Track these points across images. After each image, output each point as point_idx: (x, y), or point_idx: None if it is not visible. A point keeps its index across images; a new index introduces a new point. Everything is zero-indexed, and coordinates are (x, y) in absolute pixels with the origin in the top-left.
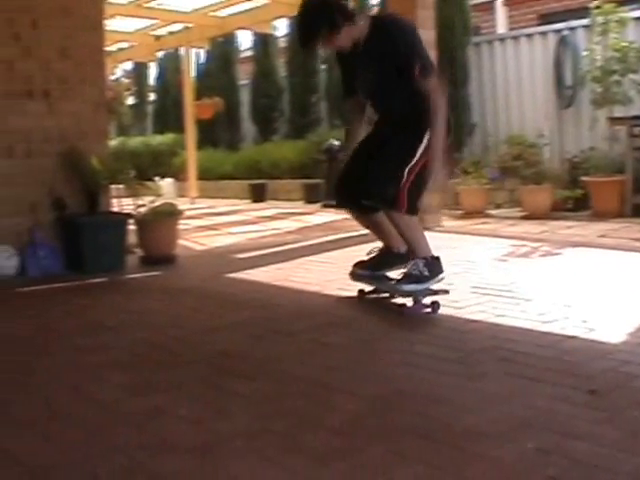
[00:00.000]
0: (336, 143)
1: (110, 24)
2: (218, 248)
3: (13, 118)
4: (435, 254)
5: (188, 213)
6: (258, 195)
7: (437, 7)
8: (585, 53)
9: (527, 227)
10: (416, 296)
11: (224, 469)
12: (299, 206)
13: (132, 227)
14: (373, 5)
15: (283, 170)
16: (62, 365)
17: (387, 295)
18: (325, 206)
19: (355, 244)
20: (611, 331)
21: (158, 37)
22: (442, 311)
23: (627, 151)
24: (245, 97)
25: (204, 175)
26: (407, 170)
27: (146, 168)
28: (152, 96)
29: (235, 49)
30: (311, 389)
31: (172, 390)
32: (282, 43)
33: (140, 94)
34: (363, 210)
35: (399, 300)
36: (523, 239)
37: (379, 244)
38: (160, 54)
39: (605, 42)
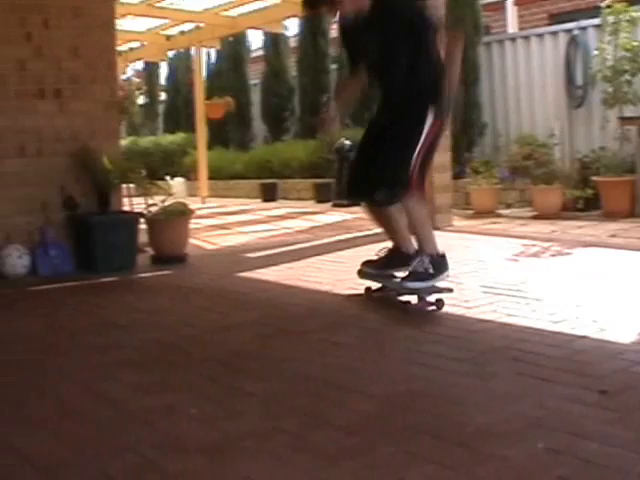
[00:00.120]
0: (347, 143)
1: (121, 24)
2: (229, 247)
3: (24, 118)
4: (441, 251)
5: (199, 212)
6: (269, 194)
7: (448, 7)
8: (596, 53)
9: (537, 227)
10: (420, 293)
11: (235, 468)
12: (310, 205)
13: (143, 226)
14: None
15: (294, 169)
16: (74, 364)
17: (394, 293)
18: (336, 205)
19: (366, 243)
20: (622, 331)
21: (169, 37)
22: (453, 311)
23: (638, 151)
24: (256, 97)
25: (215, 174)
26: (415, 154)
27: (157, 167)
28: (163, 96)
29: (246, 49)
30: (322, 388)
31: (183, 389)
32: (293, 43)
33: (151, 94)
34: (376, 204)
35: (405, 298)
36: (534, 239)
37: (389, 244)
38: (171, 54)
39: (616, 42)
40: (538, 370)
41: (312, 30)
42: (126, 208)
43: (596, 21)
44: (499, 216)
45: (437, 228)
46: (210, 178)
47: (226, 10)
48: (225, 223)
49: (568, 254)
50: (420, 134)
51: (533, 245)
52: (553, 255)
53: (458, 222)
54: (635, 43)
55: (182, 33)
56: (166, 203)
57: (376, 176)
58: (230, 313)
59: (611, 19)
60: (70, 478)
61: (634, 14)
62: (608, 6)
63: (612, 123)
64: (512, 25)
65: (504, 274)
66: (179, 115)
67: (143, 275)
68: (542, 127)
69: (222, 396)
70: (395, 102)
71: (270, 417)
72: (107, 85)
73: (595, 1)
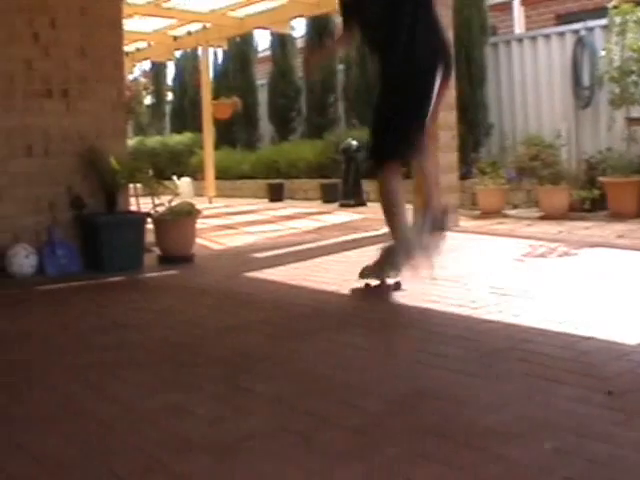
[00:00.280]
0: (354, 143)
1: (128, 24)
2: (236, 247)
3: (32, 117)
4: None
5: (206, 212)
6: (275, 195)
7: (455, 7)
8: (603, 53)
9: (544, 227)
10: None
11: (242, 468)
12: (316, 206)
13: (150, 226)
14: None
15: (301, 170)
16: (81, 363)
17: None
18: (342, 206)
19: (373, 244)
20: (628, 332)
21: (176, 37)
22: (459, 311)
23: None
24: (263, 97)
25: (222, 174)
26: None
27: (164, 167)
28: (170, 96)
29: (253, 49)
30: (329, 389)
31: (190, 389)
32: (300, 43)
33: (158, 94)
34: (394, 169)
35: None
36: (540, 239)
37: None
38: (178, 54)
39: (623, 42)
40: (544, 371)
41: (319, 30)
42: (133, 208)
43: (603, 22)
44: (506, 216)
45: None
46: (217, 178)
47: (233, 10)
48: (232, 223)
49: (575, 255)
50: (430, 99)
51: (540, 246)
52: (560, 256)
53: (465, 222)
54: None
55: (189, 33)
56: (173, 203)
57: (393, 142)
58: (237, 313)
59: (618, 20)
60: (76, 477)
61: None
62: (615, 7)
63: (619, 124)
64: (519, 25)
65: (510, 274)
66: (186, 115)
67: (150, 275)
68: (549, 128)
69: (229, 396)
70: (398, 69)
71: (277, 417)
72: (114, 85)
73: (602, 2)
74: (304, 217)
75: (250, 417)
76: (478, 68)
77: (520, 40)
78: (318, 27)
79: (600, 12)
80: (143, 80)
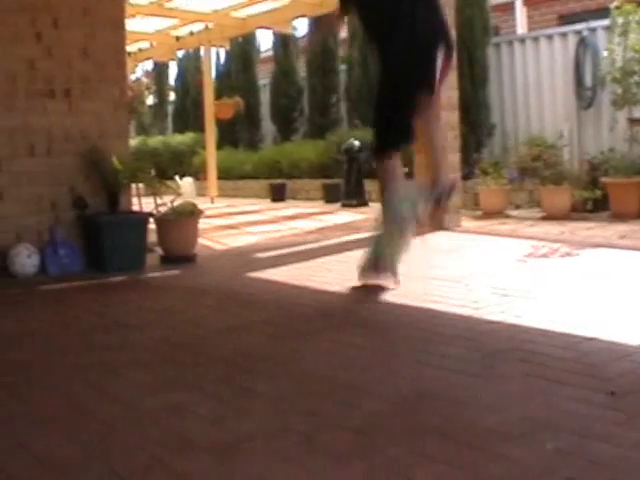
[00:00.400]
0: (356, 143)
1: (131, 24)
2: (238, 247)
3: (34, 117)
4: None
5: (208, 212)
6: (278, 195)
7: (457, 7)
8: (605, 54)
9: (546, 228)
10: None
11: (244, 468)
12: (319, 206)
13: (152, 226)
14: None
15: (303, 170)
16: (82, 363)
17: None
18: (345, 206)
19: None
20: (630, 333)
21: (178, 37)
22: (461, 311)
23: None
24: (265, 97)
25: (224, 175)
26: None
27: (166, 167)
28: (172, 96)
29: (255, 49)
30: (331, 389)
31: (192, 389)
32: (302, 43)
33: (160, 94)
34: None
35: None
36: (542, 240)
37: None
38: (180, 54)
39: (625, 43)
40: (546, 371)
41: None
42: (135, 208)
43: (605, 22)
44: (508, 217)
45: (446, 229)
46: (219, 178)
47: (236, 10)
48: (234, 223)
49: (577, 255)
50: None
51: (542, 246)
52: (562, 256)
53: (467, 223)
54: None
55: (191, 33)
56: (175, 203)
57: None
58: (239, 313)
59: (621, 20)
60: (78, 476)
61: None
62: (618, 7)
63: (621, 124)
64: (521, 26)
65: (512, 275)
66: (188, 115)
67: (152, 275)
68: (551, 128)
69: (231, 396)
70: (398, 54)
71: (279, 417)
72: (117, 85)
73: (605, 2)
74: (306, 217)
75: (251, 417)
76: (480, 68)
77: (522, 40)
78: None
79: (603, 13)
80: (145, 80)
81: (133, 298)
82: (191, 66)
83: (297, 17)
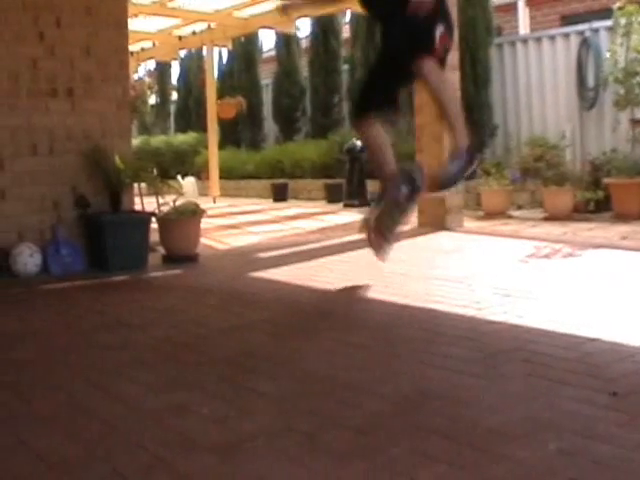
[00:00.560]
0: (358, 143)
1: (133, 23)
2: (240, 247)
3: (37, 116)
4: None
5: (210, 212)
6: (280, 195)
7: (460, 7)
8: (607, 54)
9: (548, 228)
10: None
11: (246, 467)
12: (321, 206)
13: (154, 226)
14: None
15: (305, 170)
16: (85, 362)
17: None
18: (346, 206)
19: None
20: (633, 333)
21: (181, 37)
22: (463, 312)
23: None
24: (267, 97)
25: (226, 175)
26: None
27: (168, 167)
28: (174, 95)
29: (257, 49)
30: (333, 388)
31: (195, 388)
32: (305, 43)
33: (162, 93)
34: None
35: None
36: (544, 240)
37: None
38: (182, 53)
39: (628, 43)
40: (549, 372)
41: (324, 30)
42: (138, 207)
43: (608, 23)
44: (510, 217)
45: (448, 229)
46: (221, 178)
47: (238, 10)
48: (236, 223)
49: (579, 256)
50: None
51: (544, 247)
52: (564, 257)
53: (469, 223)
54: None
55: (194, 33)
56: (177, 203)
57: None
58: (241, 312)
59: (623, 21)
60: (81, 476)
61: None
62: (620, 8)
63: (623, 125)
64: (524, 26)
65: (515, 275)
66: (190, 115)
67: (154, 274)
68: (553, 129)
69: (233, 395)
70: (398, 37)
71: (281, 417)
72: (119, 84)
73: (607, 3)
74: (308, 217)
75: (253, 417)
76: (483, 69)
77: (525, 41)
78: (323, 27)
79: (605, 13)
80: (148, 80)
81: (135, 297)
82: (193, 66)
83: (299, 17)
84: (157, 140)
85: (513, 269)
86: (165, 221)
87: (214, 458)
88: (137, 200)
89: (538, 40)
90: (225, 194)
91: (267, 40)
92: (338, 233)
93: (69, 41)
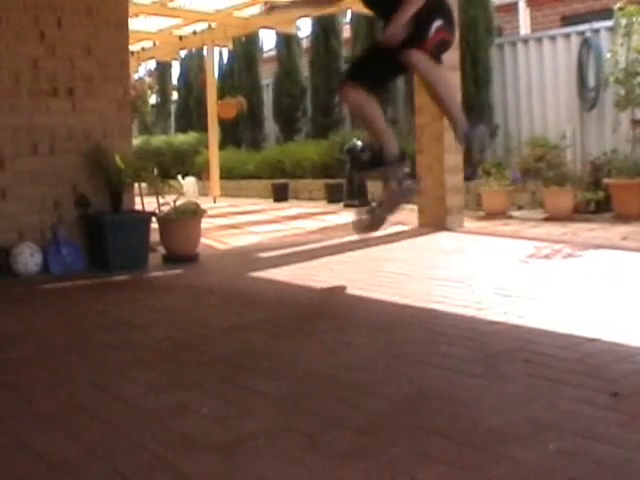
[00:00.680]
0: (359, 143)
1: (134, 23)
2: (240, 247)
3: (38, 116)
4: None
5: (210, 212)
6: (280, 195)
7: (461, 7)
8: (608, 55)
9: (549, 229)
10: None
11: (246, 467)
12: (321, 206)
13: (155, 225)
14: None
15: (305, 170)
16: (85, 362)
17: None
18: (347, 206)
19: (378, 244)
20: (633, 334)
21: (181, 37)
22: (464, 312)
23: None
24: (268, 97)
25: (227, 174)
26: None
27: (169, 167)
28: (175, 95)
29: (258, 49)
30: (333, 388)
31: (195, 388)
32: (305, 43)
33: (163, 93)
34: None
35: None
36: (545, 241)
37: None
38: (183, 53)
39: (628, 44)
40: (549, 372)
41: (324, 30)
42: (138, 207)
43: (609, 23)
44: (510, 218)
45: (448, 229)
46: (222, 178)
47: (239, 10)
48: (236, 223)
49: (579, 256)
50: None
51: (544, 247)
52: (564, 257)
53: (469, 223)
54: None
55: (194, 33)
56: (178, 203)
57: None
58: (241, 312)
59: (624, 21)
60: (81, 475)
61: None
62: (621, 8)
63: (624, 125)
64: (524, 27)
65: (515, 276)
66: (191, 115)
67: (155, 274)
68: (554, 129)
69: (234, 395)
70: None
71: (282, 417)
72: (120, 84)
73: (608, 3)
74: (309, 217)
75: (254, 416)
76: (483, 69)
77: (526, 41)
78: (323, 27)
79: (606, 14)
80: (148, 79)
81: (136, 297)
82: (194, 65)
83: (300, 17)
84: (158, 140)
85: (513, 269)
86: (165, 221)
87: (215, 458)
88: (137, 200)
89: (539, 40)
90: (225, 194)
91: (268, 40)
92: (339, 233)
93: (70, 41)
